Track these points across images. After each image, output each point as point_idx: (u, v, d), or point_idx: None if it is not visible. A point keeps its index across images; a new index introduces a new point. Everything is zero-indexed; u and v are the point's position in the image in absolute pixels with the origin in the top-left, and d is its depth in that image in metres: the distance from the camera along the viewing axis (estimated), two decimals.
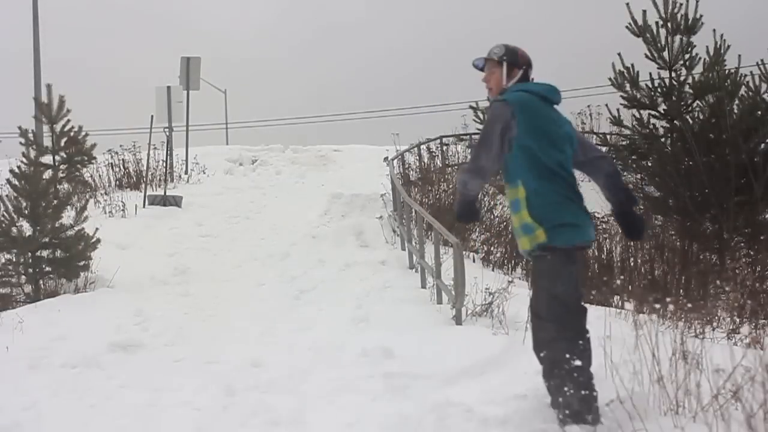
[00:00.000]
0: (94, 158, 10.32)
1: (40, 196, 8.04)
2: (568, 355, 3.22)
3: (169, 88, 16.38)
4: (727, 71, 11.82)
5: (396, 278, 8.35)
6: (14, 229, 7.84)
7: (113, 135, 30.31)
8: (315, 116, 72.52)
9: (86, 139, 9.75)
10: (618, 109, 13.07)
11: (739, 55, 11.98)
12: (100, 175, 14.78)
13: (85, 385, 4.71)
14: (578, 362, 3.22)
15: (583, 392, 3.21)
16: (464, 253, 7.37)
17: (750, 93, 11.35)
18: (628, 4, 12.25)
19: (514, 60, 3.64)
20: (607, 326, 3.78)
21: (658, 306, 3.81)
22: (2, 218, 7.86)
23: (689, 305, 5.47)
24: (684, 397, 3.10)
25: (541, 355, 3.36)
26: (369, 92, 77.35)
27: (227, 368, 5.07)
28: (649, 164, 12.37)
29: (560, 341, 3.26)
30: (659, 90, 12.32)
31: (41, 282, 7.92)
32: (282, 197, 14.65)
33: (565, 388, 3.22)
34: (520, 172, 3.41)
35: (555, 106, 3.56)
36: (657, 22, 12.20)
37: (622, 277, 8.12)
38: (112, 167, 15.48)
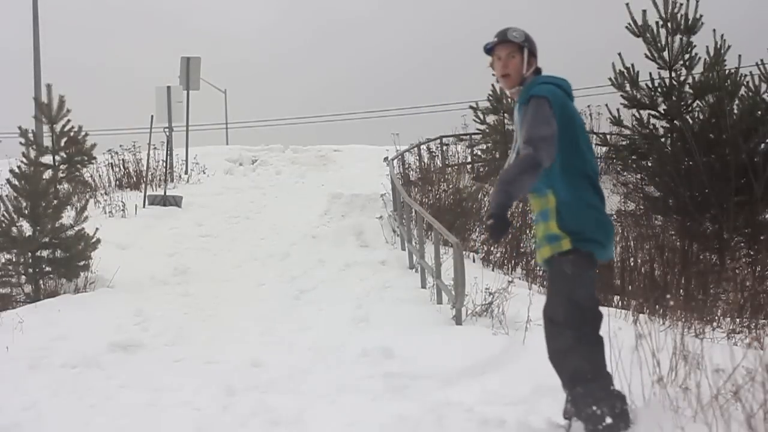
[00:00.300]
0: (94, 158, 10.35)
1: (40, 196, 8.03)
2: (589, 363, 3.06)
3: (169, 88, 16.37)
4: (727, 71, 11.84)
5: (396, 278, 8.35)
6: (14, 229, 7.84)
7: (113, 135, 30.41)
8: (315, 116, 72.62)
9: (86, 139, 9.79)
10: (618, 109, 13.11)
11: (739, 55, 12.01)
12: (100, 175, 14.77)
13: (85, 385, 4.70)
14: (601, 369, 3.08)
15: (610, 399, 3.05)
16: (464, 253, 7.37)
17: (750, 93, 11.37)
18: (627, 4, 12.28)
19: (533, 48, 3.29)
20: (608, 326, 3.77)
21: (657, 306, 3.80)
22: (2, 218, 7.86)
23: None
24: (684, 397, 3.10)
25: (560, 365, 3.17)
26: (369, 92, 77.55)
27: (227, 368, 5.07)
28: (649, 164, 12.38)
29: (579, 348, 3.07)
30: (659, 90, 12.34)
31: (41, 282, 7.92)
32: (282, 197, 14.64)
33: (591, 398, 3.04)
34: (551, 180, 3.14)
35: None
36: (657, 22, 12.22)
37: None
38: (112, 167, 15.47)
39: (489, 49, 3.31)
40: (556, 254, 3.15)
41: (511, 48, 3.26)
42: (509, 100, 15.50)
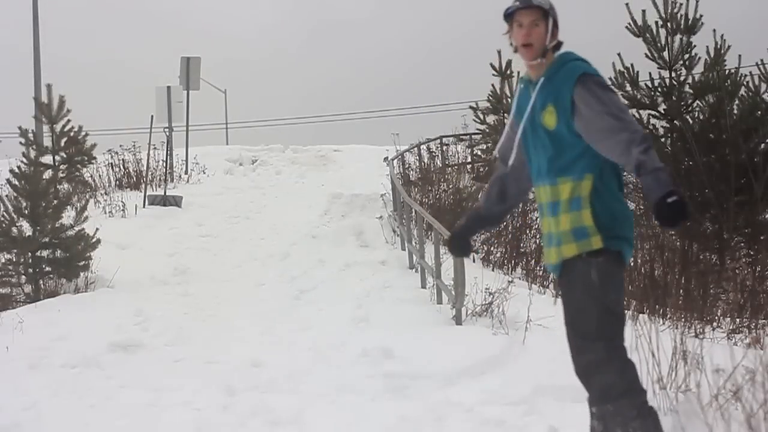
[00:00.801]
0: (94, 158, 10.36)
1: (40, 196, 8.04)
2: (621, 378, 2.66)
3: (169, 88, 16.39)
4: (727, 71, 11.81)
5: (396, 278, 8.35)
6: (14, 229, 7.84)
7: (113, 135, 30.40)
8: (315, 116, 72.71)
9: (86, 139, 9.79)
10: None
11: (740, 55, 11.98)
12: (100, 175, 14.77)
13: (85, 385, 4.70)
14: (634, 384, 2.68)
15: (643, 417, 2.65)
16: None
17: (750, 93, 11.35)
18: (627, 4, 12.26)
19: (557, 18, 2.88)
20: None
21: (657, 306, 3.78)
22: (2, 218, 7.86)
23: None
24: (684, 397, 3.10)
25: (589, 380, 2.72)
26: (369, 92, 77.65)
27: (227, 368, 5.07)
28: None
29: (613, 361, 2.67)
30: (659, 90, 12.30)
31: (41, 282, 7.92)
32: (282, 197, 14.65)
33: (622, 416, 2.64)
34: (591, 164, 2.78)
35: None
36: (657, 22, 12.19)
37: None
38: (112, 167, 15.48)
39: (509, 15, 2.87)
40: (584, 254, 2.72)
41: (536, 15, 2.82)
42: (509, 99, 15.49)
